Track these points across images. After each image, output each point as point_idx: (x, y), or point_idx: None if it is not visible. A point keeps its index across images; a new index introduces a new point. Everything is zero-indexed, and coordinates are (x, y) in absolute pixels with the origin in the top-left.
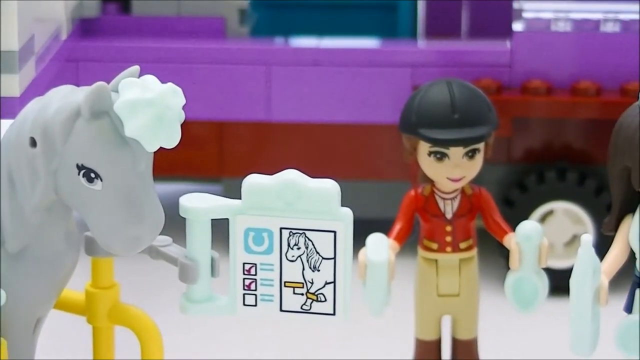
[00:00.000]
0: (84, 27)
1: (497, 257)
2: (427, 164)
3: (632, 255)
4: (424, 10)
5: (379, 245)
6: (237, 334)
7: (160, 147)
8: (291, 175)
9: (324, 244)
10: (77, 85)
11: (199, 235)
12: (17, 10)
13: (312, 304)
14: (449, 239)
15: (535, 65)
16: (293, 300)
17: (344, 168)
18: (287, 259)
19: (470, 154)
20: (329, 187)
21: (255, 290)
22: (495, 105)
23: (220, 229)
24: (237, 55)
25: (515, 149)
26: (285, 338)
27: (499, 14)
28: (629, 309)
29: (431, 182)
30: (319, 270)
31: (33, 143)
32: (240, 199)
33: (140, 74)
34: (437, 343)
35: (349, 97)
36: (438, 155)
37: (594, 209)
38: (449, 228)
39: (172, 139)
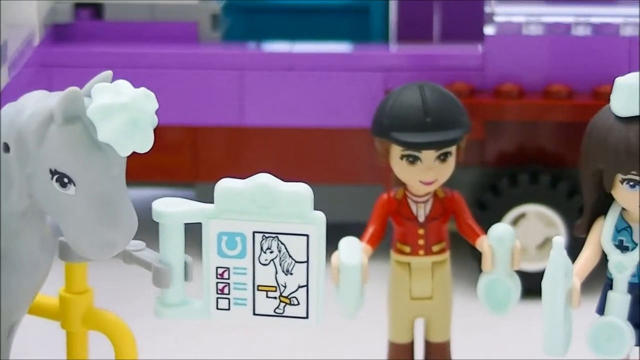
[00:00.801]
0: (57, 33)
1: (469, 260)
2: (400, 168)
3: (604, 257)
4: (396, 14)
5: (352, 248)
6: (211, 338)
7: (134, 152)
8: (264, 179)
9: (296, 247)
10: (50, 90)
11: (172, 240)
12: None
13: (285, 308)
14: (421, 242)
15: (508, 68)
16: (266, 304)
17: (317, 172)
18: (260, 262)
19: (442, 157)
20: (302, 190)
21: (229, 294)
22: (468, 108)
23: (193, 233)
24: (210, 60)
25: (488, 152)
26: (259, 341)
27: (471, 18)
28: (601, 310)
29: (404, 185)
30: (291, 274)
31: (6, 148)
32: (213, 203)
33: (113, 79)
34: (410, 346)
35: (321, 101)
36: (410, 159)
37: (566, 212)
38: (421, 231)
39: (145, 143)
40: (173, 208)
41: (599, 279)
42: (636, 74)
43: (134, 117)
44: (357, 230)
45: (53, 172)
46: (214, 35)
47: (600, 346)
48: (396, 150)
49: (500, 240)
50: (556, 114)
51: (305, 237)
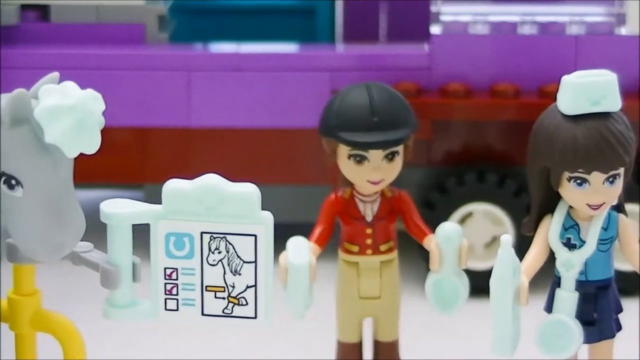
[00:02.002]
0: (3, 35)
1: (417, 259)
2: (347, 167)
3: (551, 255)
4: (342, 15)
5: (299, 248)
6: (159, 339)
7: (81, 153)
8: (211, 179)
9: (244, 247)
10: None
11: (120, 241)
12: None
13: (234, 308)
14: (369, 241)
15: (454, 68)
16: (215, 304)
17: (265, 172)
18: (208, 263)
19: (389, 156)
20: (250, 191)
21: (177, 294)
22: (415, 108)
23: (141, 234)
24: (157, 62)
25: (435, 151)
26: (208, 342)
27: (417, 18)
28: (549, 308)
29: (351, 185)
30: (240, 274)
31: None
32: (161, 204)
33: (60, 81)
34: (359, 345)
35: (268, 102)
36: (358, 158)
37: (513, 210)
38: (369, 231)
39: (92, 145)
40: (121, 209)
41: (547, 277)
42: (582, 72)
43: (81, 118)
44: (305, 230)
45: (0, 174)
46: (160, 37)
47: (548, 344)
48: (343, 150)
49: (447, 239)
50: (503, 113)
51: (253, 237)
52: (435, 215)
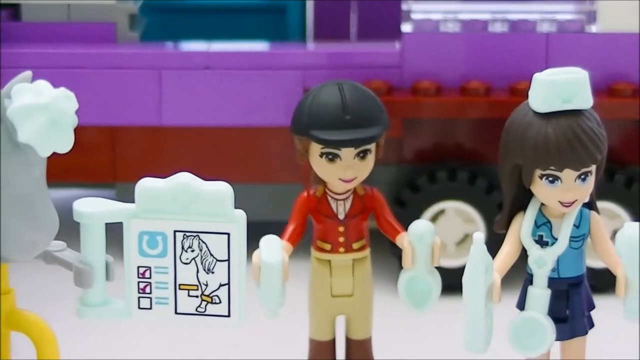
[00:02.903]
0: None
1: (390, 257)
2: (319, 165)
3: (523, 252)
4: (313, 13)
5: (272, 246)
6: (133, 337)
7: (54, 153)
8: (184, 178)
9: (218, 246)
10: None
11: (93, 240)
12: None
13: (207, 306)
14: (342, 239)
15: (425, 66)
16: (188, 303)
17: (237, 171)
18: (181, 261)
19: (361, 154)
20: (223, 189)
21: (150, 293)
22: (386, 106)
23: (114, 233)
24: (127, 60)
25: (407, 149)
26: (181, 341)
27: (388, 16)
28: (521, 306)
29: (324, 183)
30: (213, 273)
31: None
32: (133, 203)
33: (33, 80)
34: (332, 343)
35: (240, 100)
36: (330, 157)
37: (485, 208)
38: (341, 229)
39: (65, 144)
40: (94, 208)
41: (519, 274)
42: (554, 70)
43: (54, 117)
44: (277, 229)
45: None
46: (131, 35)
47: (521, 341)
48: (315, 148)
49: (420, 236)
50: (474, 111)
51: (226, 236)
52: (407, 213)
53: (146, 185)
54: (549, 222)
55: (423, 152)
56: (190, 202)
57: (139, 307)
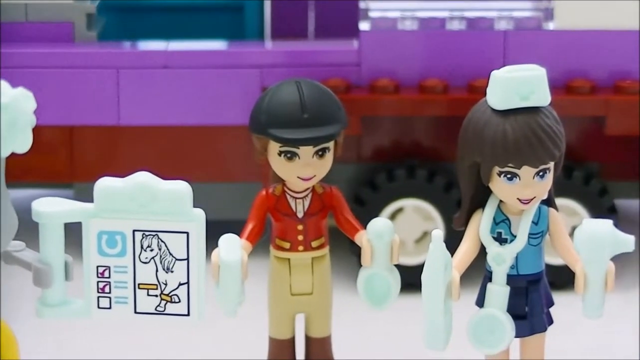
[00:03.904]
0: None
1: (349, 255)
2: (278, 164)
3: (482, 249)
4: (271, 12)
5: (231, 245)
6: (92, 337)
7: (12, 152)
8: (143, 177)
9: (177, 245)
10: None
11: (52, 240)
12: None
13: (167, 305)
14: (301, 237)
15: (383, 64)
16: (147, 302)
17: (196, 170)
18: (140, 261)
19: (320, 153)
20: (181, 188)
21: (110, 292)
22: (344, 104)
23: (73, 232)
24: (85, 60)
25: (365, 147)
26: (140, 340)
27: (346, 14)
28: (480, 303)
29: (282, 181)
30: (172, 272)
31: None
32: (92, 202)
33: None
34: (291, 341)
35: (198, 99)
36: (288, 155)
37: (443, 206)
38: (300, 227)
39: (24, 143)
40: (53, 208)
41: (478, 271)
42: (511, 67)
43: (12, 117)
44: (236, 228)
45: None
46: (89, 35)
47: (480, 338)
48: (274, 147)
49: (379, 234)
50: (432, 109)
51: (185, 235)
52: (366, 211)
53: (105, 184)
54: (507, 219)
55: (382, 150)
56: (149, 201)
57: (99, 307)
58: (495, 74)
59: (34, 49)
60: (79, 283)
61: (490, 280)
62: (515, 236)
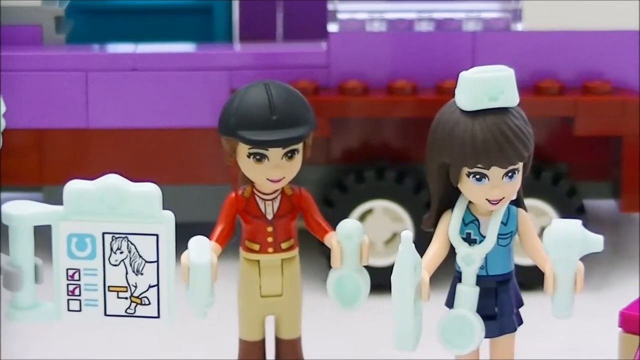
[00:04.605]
0: None
1: (318, 256)
2: (247, 166)
3: (452, 250)
4: (239, 14)
5: (201, 247)
6: (63, 339)
7: None
8: (112, 179)
9: (146, 247)
10: None
11: (22, 242)
12: None
13: (137, 308)
14: (270, 239)
15: (352, 65)
16: (117, 304)
17: (165, 172)
18: (110, 263)
19: (289, 154)
20: (150, 190)
21: (80, 295)
22: (313, 106)
23: (43, 235)
24: (54, 63)
25: (334, 149)
26: (110, 342)
27: (314, 16)
28: (450, 303)
29: (251, 183)
30: (142, 274)
31: None
32: (61, 205)
33: None
34: (262, 343)
35: (167, 102)
36: (257, 157)
37: (413, 207)
38: (270, 229)
39: None
40: (22, 211)
41: (448, 272)
42: (480, 68)
43: None
44: (206, 230)
45: None
46: (58, 38)
47: (450, 339)
48: (243, 149)
49: (348, 236)
50: (401, 110)
51: (154, 237)
52: (335, 213)
53: (74, 187)
54: (476, 219)
55: (350, 152)
56: (118, 203)
57: (69, 310)
58: (463, 75)
59: (2, 52)
60: (49, 286)
61: (459, 280)
62: (484, 237)
